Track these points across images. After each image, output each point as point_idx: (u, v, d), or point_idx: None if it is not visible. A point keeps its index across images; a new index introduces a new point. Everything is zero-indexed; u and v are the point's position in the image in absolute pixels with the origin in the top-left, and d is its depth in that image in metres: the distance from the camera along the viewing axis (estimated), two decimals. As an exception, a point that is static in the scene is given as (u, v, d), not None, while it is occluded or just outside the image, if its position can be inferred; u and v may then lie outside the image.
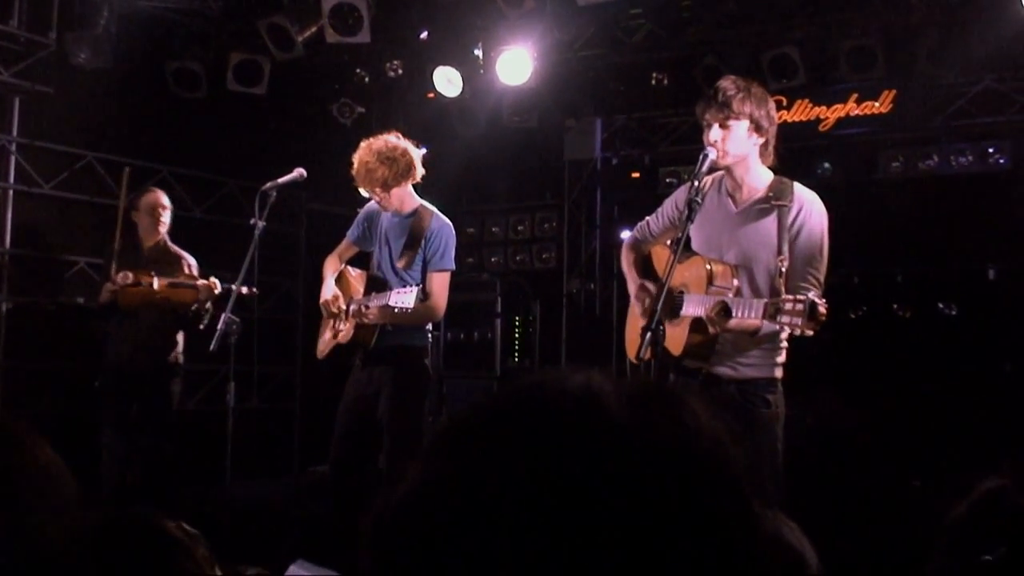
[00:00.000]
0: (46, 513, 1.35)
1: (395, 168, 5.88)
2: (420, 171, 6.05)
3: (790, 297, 4.01)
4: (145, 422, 7.40)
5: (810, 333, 3.97)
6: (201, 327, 7.42)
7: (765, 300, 4.15)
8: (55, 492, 1.34)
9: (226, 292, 7.10)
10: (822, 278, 4.46)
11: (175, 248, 7.64)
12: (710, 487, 0.88)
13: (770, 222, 4.55)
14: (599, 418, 0.88)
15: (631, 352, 4.87)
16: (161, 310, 7.36)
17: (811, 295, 3.97)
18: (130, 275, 7.26)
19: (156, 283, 7.22)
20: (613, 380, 0.93)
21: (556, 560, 0.82)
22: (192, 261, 7.60)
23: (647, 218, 5.15)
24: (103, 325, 7.59)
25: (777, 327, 4.30)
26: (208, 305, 7.31)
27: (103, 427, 7.40)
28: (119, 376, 7.41)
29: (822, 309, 3.91)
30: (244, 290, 6.83)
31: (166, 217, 7.58)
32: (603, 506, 0.83)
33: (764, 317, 4.09)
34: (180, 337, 7.58)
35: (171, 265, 7.48)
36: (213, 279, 7.23)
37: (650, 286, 4.88)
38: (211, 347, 5.99)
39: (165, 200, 7.62)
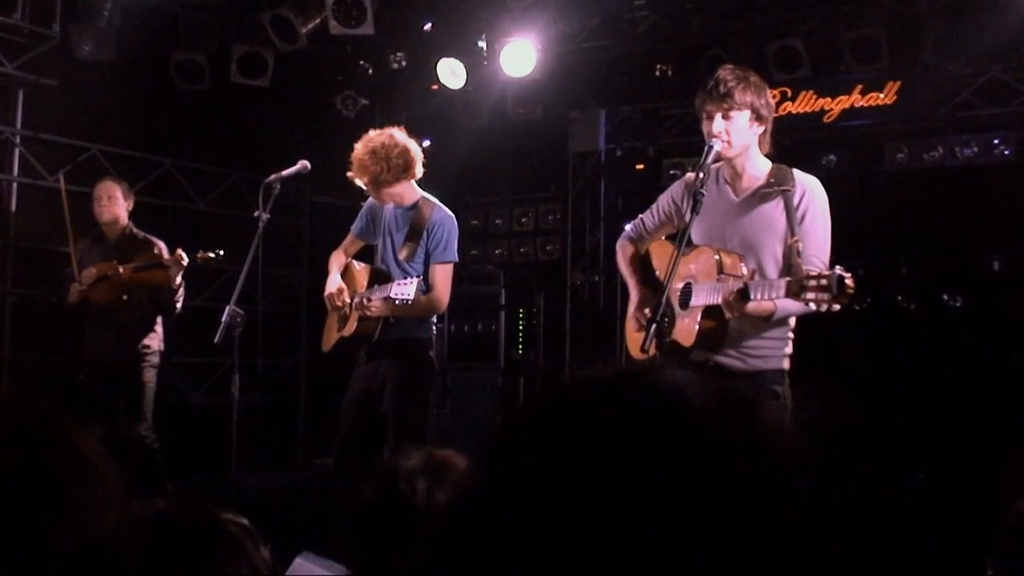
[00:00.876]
0: (93, 507, 1.34)
1: (386, 167, 5.85)
2: (419, 171, 6.01)
3: (815, 272, 4.00)
4: (129, 414, 7.39)
5: (837, 308, 3.94)
6: (177, 305, 7.39)
7: (788, 278, 4.12)
8: (100, 485, 1.34)
9: (196, 263, 7.09)
10: (828, 261, 4.45)
11: (143, 234, 7.58)
12: (797, 502, 0.85)
13: (773, 207, 4.55)
14: (684, 424, 0.85)
15: (634, 349, 4.86)
16: (137, 299, 7.35)
17: (837, 269, 3.91)
18: (93, 271, 7.24)
19: (122, 270, 7.19)
20: (700, 382, 0.90)
21: (627, 567, 0.79)
22: (162, 245, 7.52)
23: (641, 216, 5.12)
24: (81, 322, 7.56)
25: (797, 307, 4.31)
26: (179, 280, 7.25)
27: (91, 422, 7.38)
28: (101, 370, 7.40)
29: (849, 282, 3.86)
30: (200, 255, 6.87)
31: (115, 204, 7.46)
32: (684, 516, 0.79)
33: (788, 295, 4.05)
34: (159, 326, 7.53)
35: (140, 251, 7.44)
36: (179, 251, 7.13)
37: (652, 291, 4.87)
38: (216, 340, 5.99)
39: (112, 188, 7.48)
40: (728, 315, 4.35)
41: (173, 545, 1.63)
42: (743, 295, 4.28)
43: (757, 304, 4.30)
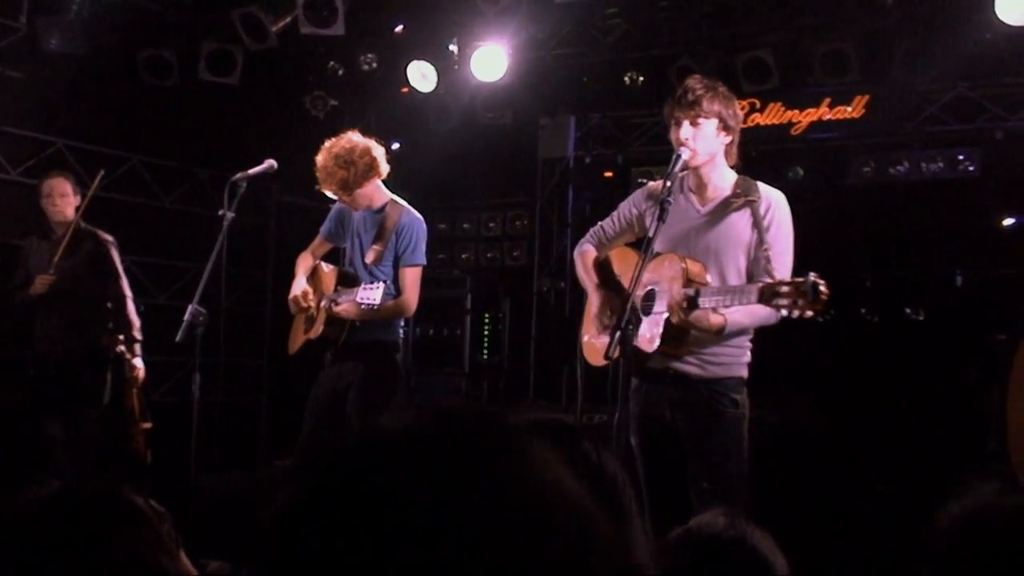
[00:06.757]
0: None
1: (353, 170, 5.84)
2: (384, 168, 6.00)
3: (788, 279, 3.99)
4: (76, 410, 7.33)
5: (809, 315, 3.93)
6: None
7: (759, 284, 4.10)
8: None
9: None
10: (790, 274, 4.45)
11: (90, 228, 7.50)
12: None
13: (739, 218, 4.56)
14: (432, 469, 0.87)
15: (593, 356, 4.84)
16: (84, 295, 7.33)
17: (811, 276, 3.89)
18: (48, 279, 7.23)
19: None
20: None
21: None
22: (110, 239, 7.50)
23: (600, 223, 5.08)
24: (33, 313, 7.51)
25: (751, 321, 4.33)
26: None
27: (41, 420, 7.33)
28: (49, 364, 7.34)
29: (824, 288, 3.85)
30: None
31: (67, 203, 7.38)
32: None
33: (760, 300, 4.04)
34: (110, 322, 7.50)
35: (86, 246, 7.41)
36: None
37: (612, 297, 4.86)
38: (177, 338, 5.93)
39: (63, 185, 7.41)
40: (673, 318, 4.34)
41: (79, 519, 1.63)
42: (691, 302, 4.29)
43: (704, 313, 4.30)
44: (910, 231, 9.36)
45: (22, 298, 7.37)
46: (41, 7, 8.62)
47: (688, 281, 4.41)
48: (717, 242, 4.58)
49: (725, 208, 4.60)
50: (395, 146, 9.86)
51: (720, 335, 4.41)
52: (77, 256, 7.35)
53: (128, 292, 7.52)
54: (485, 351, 10.78)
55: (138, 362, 7.37)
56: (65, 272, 7.25)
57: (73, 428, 7.29)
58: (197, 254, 7.11)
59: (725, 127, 4.57)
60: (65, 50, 8.61)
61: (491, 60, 9.10)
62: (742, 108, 4.95)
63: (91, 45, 8.72)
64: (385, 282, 5.69)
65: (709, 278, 4.47)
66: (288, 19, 8.88)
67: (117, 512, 1.68)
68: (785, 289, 3.91)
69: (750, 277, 4.47)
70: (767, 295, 3.98)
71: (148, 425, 7.46)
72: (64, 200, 7.36)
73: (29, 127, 9.10)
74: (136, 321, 7.46)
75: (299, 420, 6.17)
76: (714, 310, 4.30)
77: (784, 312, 3.98)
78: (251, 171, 6.20)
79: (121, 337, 7.32)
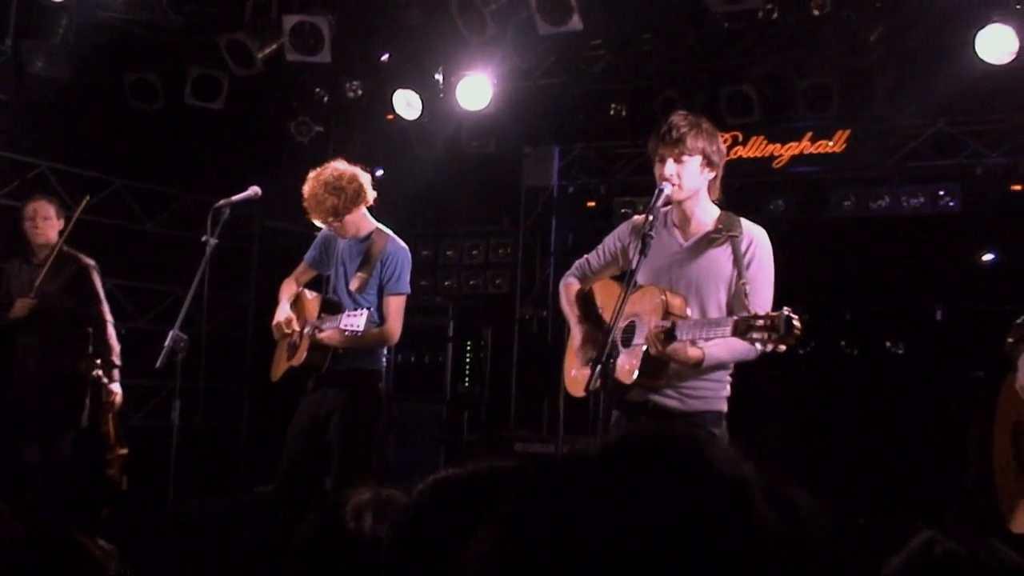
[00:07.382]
0: None
1: (343, 196, 5.86)
2: (371, 194, 6.02)
3: (763, 313, 4.02)
4: (54, 433, 7.29)
5: (783, 349, 3.96)
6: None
7: (735, 317, 4.14)
8: None
9: None
10: (769, 311, 4.48)
11: (71, 251, 7.47)
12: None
13: (720, 253, 4.60)
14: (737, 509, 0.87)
15: (575, 388, 4.85)
16: (64, 319, 7.30)
17: (785, 310, 3.94)
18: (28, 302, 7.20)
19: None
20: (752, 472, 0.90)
21: None
22: (91, 263, 7.46)
23: (586, 256, 5.12)
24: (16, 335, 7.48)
25: (728, 355, 4.35)
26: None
27: (19, 443, 7.28)
28: (28, 388, 7.31)
29: (797, 323, 3.89)
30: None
31: (49, 226, 7.37)
32: None
33: (734, 333, 4.07)
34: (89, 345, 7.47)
35: (68, 270, 7.38)
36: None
37: (594, 329, 4.88)
38: (157, 364, 5.91)
39: (47, 208, 7.40)
40: (652, 350, 4.37)
41: (33, 564, 1.63)
42: (668, 334, 4.31)
43: (681, 346, 4.32)
44: (890, 265, 9.41)
45: (4, 321, 7.34)
46: (27, 30, 8.60)
47: (667, 314, 4.43)
48: (698, 276, 4.60)
49: (707, 243, 4.63)
50: (379, 173, 9.87)
51: (698, 368, 4.44)
52: (59, 280, 7.32)
53: (109, 317, 7.50)
54: (467, 379, 10.76)
55: (115, 387, 7.34)
56: (46, 296, 7.23)
57: (50, 452, 7.25)
58: (179, 278, 7.12)
59: (709, 163, 4.60)
60: (50, 74, 8.60)
61: (476, 89, 9.13)
62: (725, 141, 5.00)
63: (76, 69, 8.71)
64: (369, 309, 5.69)
65: (689, 311, 4.49)
66: (274, 46, 8.89)
67: (62, 554, 1.68)
68: (759, 323, 3.95)
69: (730, 311, 4.50)
70: (742, 328, 4.01)
71: (124, 451, 7.42)
72: (47, 223, 7.34)
73: (13, 150, 9.09)
74: (116, 346, 7.43)
75: (279, 446, 6.16)
76: (692, 343, 4.32)
77: (759, 346, 4.01)
78: (235, 198, 6.21)
79: (98, 361, 7.28)
